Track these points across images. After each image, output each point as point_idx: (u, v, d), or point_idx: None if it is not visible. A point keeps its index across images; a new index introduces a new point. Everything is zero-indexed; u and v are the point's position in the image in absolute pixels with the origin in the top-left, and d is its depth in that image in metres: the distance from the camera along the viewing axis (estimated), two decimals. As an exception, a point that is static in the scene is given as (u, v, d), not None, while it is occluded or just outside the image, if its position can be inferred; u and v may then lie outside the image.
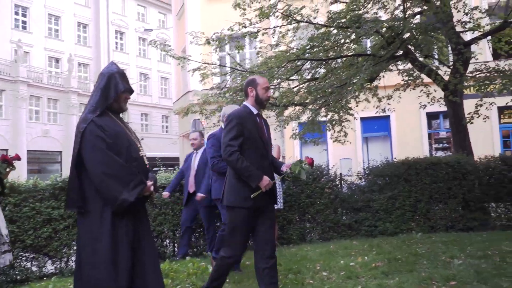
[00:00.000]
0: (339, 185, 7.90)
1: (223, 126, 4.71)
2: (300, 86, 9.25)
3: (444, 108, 9.80)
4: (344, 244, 6.26)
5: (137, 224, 3.02)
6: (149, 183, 3.05)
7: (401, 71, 9.41)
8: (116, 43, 35.73)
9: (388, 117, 16.18)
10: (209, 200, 5.53)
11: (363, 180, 7.89)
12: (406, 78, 9.22)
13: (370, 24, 7.10)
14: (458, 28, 8.79)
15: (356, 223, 7.27)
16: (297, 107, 9.72)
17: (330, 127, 9.90)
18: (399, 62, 9.06)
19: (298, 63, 8.68)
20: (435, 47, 9.95)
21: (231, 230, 3.57)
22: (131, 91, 3.25)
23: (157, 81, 38.43)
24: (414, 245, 5.59)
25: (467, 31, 9.24)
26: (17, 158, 3.82)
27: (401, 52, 8.40)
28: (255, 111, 3.66)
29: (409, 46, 8.32)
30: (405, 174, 7.37)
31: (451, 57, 9.38)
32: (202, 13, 17.98)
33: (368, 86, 8.72)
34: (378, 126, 16.89)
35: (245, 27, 8.01)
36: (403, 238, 6.30)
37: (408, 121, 16.30)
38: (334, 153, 16.17)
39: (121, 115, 3.29)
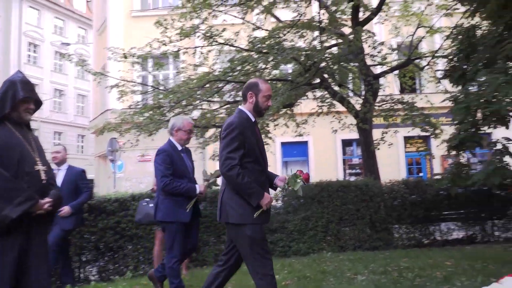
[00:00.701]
0: (256, 207, 7.98)
1: (171, 139, 4.41)
2: (221, 107, 9.35)
3: (357, 136, 10.45)
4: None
5: (28, 242, 2.78)
6: (44, 200, 2.83)
7: (316, 98, 9.91)
8: (29, 55, 33.51)
9: (306, 142, 16.90)
10: (70, 223, 5.33)
11: (279, 201, 8.07)
12: (321, 104, 9.72)
13: (288, 51, 7.43)
14: (370, 62, 9.54)
15: (271, 244, 7.35)
16: (218, 129, 9.79)
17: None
18: (315, 89, 9.55)
19: (220, 85, 8.79)
20: (350, 78, 10.68)
21: (261, 245, 3.16)
22: (37, 102, 3.04)
23: (74, 98, 36.50)
24: (323, 264, 5.79)
25: (376, 65, 10.05)
26: None
27: (317, 80, 8.90)
28: (253, 119, 3.32)
29: (325, 75, 8.85)
30: (318, 196, 7.65)
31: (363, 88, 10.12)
32: (125, 30, 17.63)
33: (287, 111, 9.05)
34: (297, 151, 17.53)
35: (165, 45, 7.97)
36: (314, 258, 6.49)
37: (324, 147, 17.14)
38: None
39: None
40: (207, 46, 8.59)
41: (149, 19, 9.70)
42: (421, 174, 17.97)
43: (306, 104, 10.20)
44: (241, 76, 8.36)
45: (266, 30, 9.01)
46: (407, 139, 17.69)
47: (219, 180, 4.35)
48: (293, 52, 7.47)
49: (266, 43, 7.91)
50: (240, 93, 9.43)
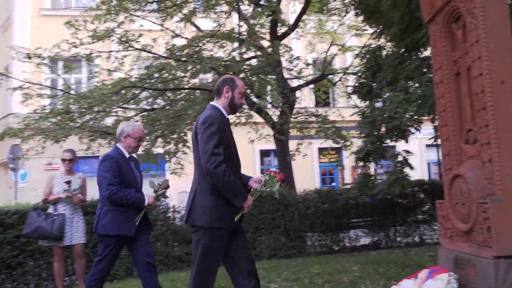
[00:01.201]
0: (172, 217, 7.82)
1: (118, 146, 4.05)
2: (137, 115, 9.05)
3: (274, 146, 10.70)
4: (171, 276, 6.12)
5: None
6: None
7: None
8: None
9: (224, 152, 16.97)
10: None
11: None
12: (238, 115, 9.82)
13: (207, 61, 7.43)
14: (287, 75, 9.88)
15: (187, 255, 7.21)
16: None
17: (168, 158, 9.83)
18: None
19: (136, 92, 8.51)
20: (268, 90, 10.95)
21: (204, 254, 2.95)
22: None
23: (-29, 100, 32.99)
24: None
25: (293, 78, 10.42)
26: None
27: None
28: (226, 115, 3.14)
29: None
30: (236, 206, 7.68)
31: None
32: (32, 29, 16.40)
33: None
34: (215, 161, 17.50)
35: (76, 47, 7.54)
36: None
37: (242, 156, 17.08)
38: (173, 186, 16.00)
39: None
40: (123, 51, 8.27)
41: (61, 19, 9.09)
42: (333, 184, 18.90)
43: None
44: (158, 84, 8.17)
45: (186, 38, 8.93)
46: (321, 151, 18.52)
47: (168, 192, 4.24)
48: (211, 62, 7.48)
49: (185, 51, 7.84)
50: (157, 101, 9.23)
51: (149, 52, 8.34)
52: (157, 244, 7.06)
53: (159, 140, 8.91)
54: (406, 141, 5.99)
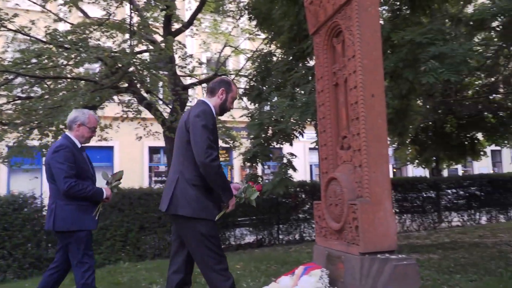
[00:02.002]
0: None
1: (69, 135, 3.66)
2: (9, 103, 8.12)
3: (164, 143, 10.45)
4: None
5: None
6: None
7: (121, 102, 9.54)
8: None
9: (112, 147, 16.08)
10: None
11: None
12: (126, 109, 9.41)
13: (93, 50, 6.96)
14: (180, 73, 9.71)
15: (62, 258, 6.69)
16: (4, 126, 8.45)
17: (44, 152, 8.99)
18: (122, 94, 9.18)
19: (10, 77, 7.64)
20: (160, 86, 10.65)
21: (216, 242, 3.00)
22: None
23: None
24: (118, 275, 5.54)
25: (186, 76, 10.30)
26: None
27: (126, 84, 8.58)
28: (214, 114, 3.13)
29: (134, 80, 8.60)
30: (119, 204, 7.34)
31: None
32: None
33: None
34: (101, 156, 16.47)
35: None
36: (109, 269, 6.16)
37: (131, 153, 16.60)
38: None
39: None
40: (-6, 30, 7.37)
41: None
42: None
43: (113, 108, 9.73)
44: (36, 70, 7.42)
45: (70, 23, 8.28)
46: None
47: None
48: (98, 52, 7.03)
49: (69, 37, 7.24)
50: (35, 88, 8.38)
51: (26, 34, 7.54)
52: (28, 246, 6.43)
53: (35, 132, 8.10)
54: (291, 144, 6.31)
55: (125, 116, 9.15)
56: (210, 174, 2.90)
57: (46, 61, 7.44)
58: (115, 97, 9.26)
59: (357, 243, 3.41)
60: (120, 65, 7.38)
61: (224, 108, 3.24)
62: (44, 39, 7.64)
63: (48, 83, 8.15)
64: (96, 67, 10.51)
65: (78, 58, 7.10)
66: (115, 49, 8.11)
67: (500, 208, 11.47)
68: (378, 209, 3.41)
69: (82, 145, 3.75)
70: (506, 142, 12.33)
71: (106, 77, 7.70)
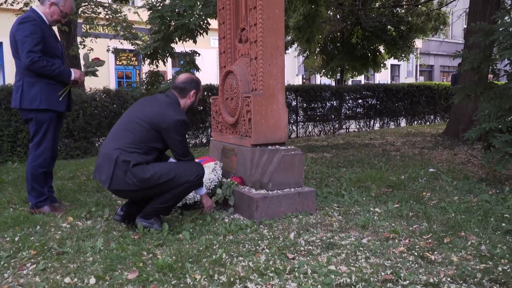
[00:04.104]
0: None
1: (37, 9, 3.36)
2: None
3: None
4: None
5: None
6: None
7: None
8: None
9: (1, 44, 14.28)
10: None
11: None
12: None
13: None
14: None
15: None
16: None
17: None
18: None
19: None
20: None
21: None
22: None
23: None
24: (4, 175, 5.15)
25: None
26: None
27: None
28: (185, 117, 3.00)
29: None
30: (5, 102, 6.64)
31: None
32: None
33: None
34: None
35: None
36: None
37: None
38: None
39: None
40: None
41: None
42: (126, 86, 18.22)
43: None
44: None
45: None
46: (119, 52, 17.38)
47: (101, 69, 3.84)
48: None
49: None
50: None
51: None
52: None
53: None
54: (195, 42, 6.00)
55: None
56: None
57: None
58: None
59: (250, 135, 3.45)
60: None
61: (191, 108, 3.21)
62: None
63: None
64: None
65: None
66: None
67: (392, 116, 12.53)
68: (271, 102, 3.43)
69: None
70: (403, 55, 13.11)
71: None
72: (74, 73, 3.44)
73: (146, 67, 14.19)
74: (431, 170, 5.03)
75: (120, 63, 17.77)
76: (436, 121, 13.61)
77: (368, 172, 4.89)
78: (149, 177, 2.74)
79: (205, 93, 9.23)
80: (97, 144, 8.01)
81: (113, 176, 2.72)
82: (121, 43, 10.25)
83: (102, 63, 3.75)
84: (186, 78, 3.17)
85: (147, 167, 2.76)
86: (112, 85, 17.13)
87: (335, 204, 3.60)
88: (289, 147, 3.51)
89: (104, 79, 16.25)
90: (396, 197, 3.79)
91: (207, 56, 16.84)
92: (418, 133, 9.77)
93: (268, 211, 3.18)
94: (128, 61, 15.71)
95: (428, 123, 13.28)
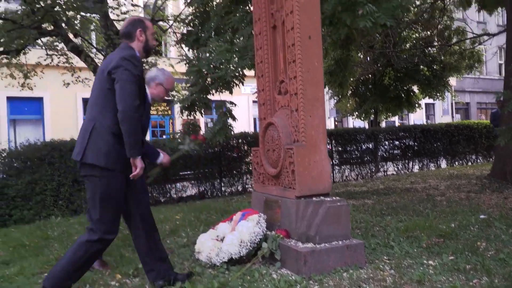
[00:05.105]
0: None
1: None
2: None
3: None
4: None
5: None
6: None
7: (44, 45, 8.70)
8: None
9: (41, 99, 15.01)
10: None
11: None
12: (51, 53, 8.63)
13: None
14: (114, 17, 9.01)
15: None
16: None
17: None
18: (46, 36, 8.33)
19: None
20: (92, 28, 9.86)
21: (102, 196, 2.71)
22: None
23: None
24: (49, 230, 5.26)
25: (120, 20, 9.59)
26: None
27: (50, 27, 7.82)
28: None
29: (62, 24, 7.84)
30: (49, 157, 6.89)
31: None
32: None
33: (7, 58, 7.64)
34: (29, 108, 15.33)
35: None
36: (39, 225, 5.84)
37: (63, 105, 15.52)
38: (-29, 136, 13.61)
39: None
40: None
41: None
42: (165, 137, 18.65)
43: (35, 54, 8.90)
44: None
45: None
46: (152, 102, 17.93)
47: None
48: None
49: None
50: None
51: None
52: None
53: None
54: (231, 93, 6.11)
55: (49, 60, 8.38)
56: (131, 123, 2.67)
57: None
58: (40, 42, 8.45)
59: (293, 187, 3.40)
60: (42, 4, 6.66)
61: (148, 48, 3.02)
62: None
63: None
64: (13, 5, 9.49)
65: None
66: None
67: (431, 157, 12.17)
68: (313, 153, 3.39)
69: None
70: (438, 94, 12.92)
71: (26, 17, 6.93)
72: (163, 156, 3.46)
73: (178, 114, 14.63)
74: (482, 216, 4.77)
75: (155, 113, 18.32)
76: (478, 161, 13.10)
77: (415, 220, 4.68)
78: None
79: (239, 140, 9.33)
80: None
81: None
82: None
83: (199, 144, 3.81)
84: (127, 22, 3.04)
85: None
86: (147, 135, 17.56)
87: (385, 257, 3.43)
88: (334, 198, 3.42)
89: (140, 129, 16.70)
90: (449, 248, 3.59)
91: (239, 103, 17.20)
92: (462, 175, 9.40)
93: (317, 266, 3.06)
94: (163, 112, 16.15)
95: (470, 164, 12.79)
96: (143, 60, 3.26)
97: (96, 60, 8.41)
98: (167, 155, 3.49)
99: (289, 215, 3.44)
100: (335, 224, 3.29)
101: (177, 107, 11.21)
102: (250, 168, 9.51)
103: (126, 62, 2.71)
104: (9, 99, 13.54)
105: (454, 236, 3.98)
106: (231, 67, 5.52)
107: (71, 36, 8.31)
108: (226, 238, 3.47)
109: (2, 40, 6.09)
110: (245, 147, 9.58)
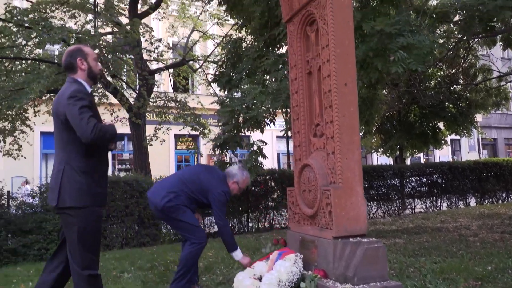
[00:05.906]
0: (6, 205, 6.91)
1: (223, 183, 4.10)
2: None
3: (129, 130, 10.24)
4: (5, 271, 5.41)
5: None
6: None
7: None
8: None
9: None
10: None
11: (36, 199, 7.15)
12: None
13: (57, 30, 6.66)
14: (147, 57, 9.47)
15: (24, 247, 6.46)
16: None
17: (1, 138, 8.61)
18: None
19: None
20: (125, 69, 10.34)
21: (81, 236, 2.71)
22: None
23: None
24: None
25: (152, 60, 10.06)
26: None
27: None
28: (89, 89, 2.93)
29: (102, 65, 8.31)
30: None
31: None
32: None
33: (53, 96, 8.09)
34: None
35: None
36: (75, 259, 5.98)
37: (93, 139, 16.01)
38: (5, 169, 14.10)
39: None
40: None
41: None
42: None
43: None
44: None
45: (30, 1, 7.88)
46: (178, 137, 18.38)
47: None
48: (62, 32, 6.73)
49: (29, 16, 6.88)
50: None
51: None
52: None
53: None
54: (262, 132, 6.30)
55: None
56: (102, 137, 2.70)
57: (3, 40, 7.06)
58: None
59: (330, 227, 3.46)
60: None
61: (93, 75, 2.98)
62: (2, 16, 7.23)
63: (5, 64, 7.75)
64: (55, 48, 10.07)
65: (39, 38, 6.77)
66: (78, 30, 7.79)
67: (459, 194, 11.98)
68: (350, 195, 3.47)
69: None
70: (465, 131, 12.85)
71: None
72: (243, 260, 4.07)
73: (204, 150, 14.85)
74: (519, 259, 4.69)
75: (181, 147, 18.71)
76: (509, 199, 12.81)
77: (450, 261, 4.64)
78: None
79: (266, 176, 9.43)
80: (164, 230, 8.24)
81: None
82: (179, 130, 10.88)
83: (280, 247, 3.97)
84: (65, 54, 2.96)
85: None
86: (172, 169, 17.88)
87: (423, 300, 3.43)
88: (371, 239, 3.47)
89: (164, 163, 17.08)
90: (488, 291, 3.56)
91: (263, 139, 17.44)
92: (493, 214, 9.22)
93: (356, 308, 3.08)
94: (190, 147, 16.50)
95: (500, 202, 12.51)
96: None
97: (131, 100, 8.78)
98: (248, 257, 3.99)
99: (326, 256, 3.49)
100: (373, 265, 3.32)
101: (202, 141, 11.48)
102: (276, 205, 9.56)
103: (71, 100, 2.72)
104: (43, 134, 14.07)
105: (492, 279, 3.93)
106: (263, 108, 5.72)
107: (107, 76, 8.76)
108: (264, 278, 3.53)
109: (49, 81, 6.47)
110: (272, 183, 9.66)
